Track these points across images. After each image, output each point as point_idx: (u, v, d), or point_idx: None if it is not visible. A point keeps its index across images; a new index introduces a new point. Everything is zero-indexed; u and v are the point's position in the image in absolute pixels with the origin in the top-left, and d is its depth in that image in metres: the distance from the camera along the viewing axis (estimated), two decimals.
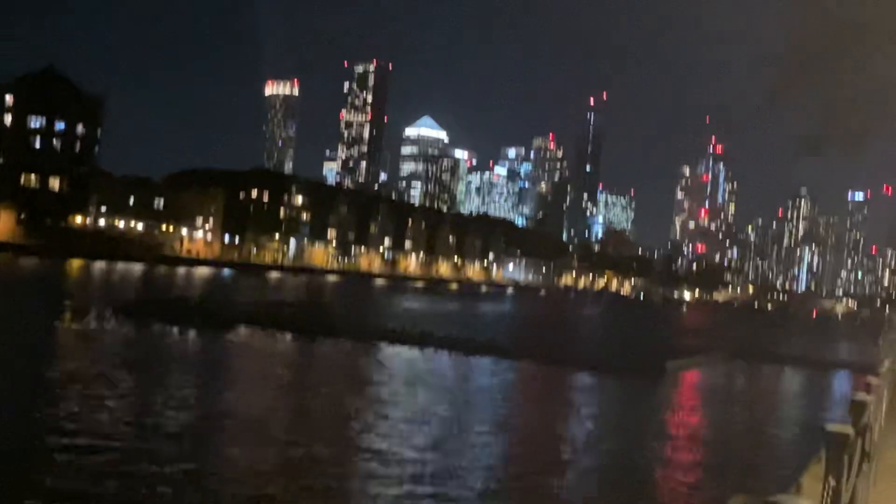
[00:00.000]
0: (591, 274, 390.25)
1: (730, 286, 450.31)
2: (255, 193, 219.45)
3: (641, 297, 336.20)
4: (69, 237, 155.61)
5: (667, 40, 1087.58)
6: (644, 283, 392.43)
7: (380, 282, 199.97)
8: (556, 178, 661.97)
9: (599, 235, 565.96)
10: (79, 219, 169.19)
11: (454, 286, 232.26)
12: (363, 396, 30.12)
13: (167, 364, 33.51)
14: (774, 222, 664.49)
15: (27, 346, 35.70)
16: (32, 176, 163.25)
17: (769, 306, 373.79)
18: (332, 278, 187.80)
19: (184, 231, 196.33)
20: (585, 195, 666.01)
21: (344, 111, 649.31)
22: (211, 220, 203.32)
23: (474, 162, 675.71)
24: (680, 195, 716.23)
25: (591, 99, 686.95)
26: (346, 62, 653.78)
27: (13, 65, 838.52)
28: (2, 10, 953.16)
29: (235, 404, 26.68)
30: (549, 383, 41.43)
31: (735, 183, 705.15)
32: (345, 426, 24.52)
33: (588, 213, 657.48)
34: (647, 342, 68.54)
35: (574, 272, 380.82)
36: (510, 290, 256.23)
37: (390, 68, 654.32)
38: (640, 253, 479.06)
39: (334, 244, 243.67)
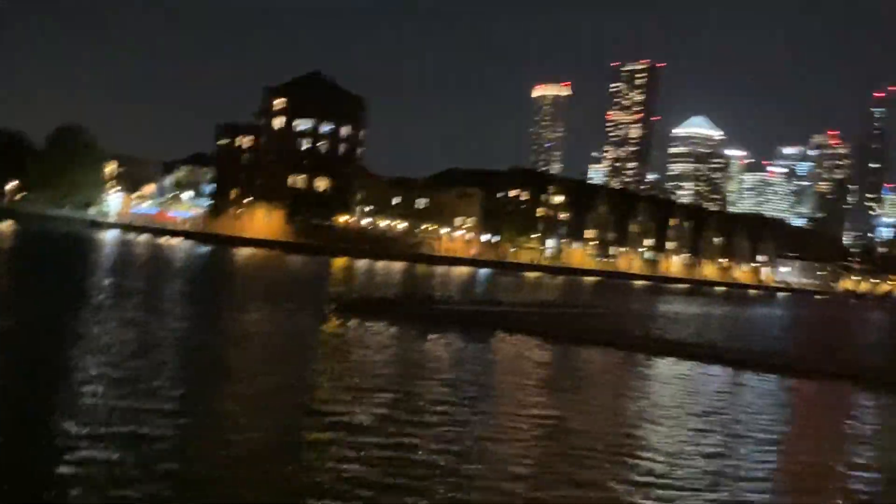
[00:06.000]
0: (873, 278, 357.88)
1: None
2: (513, 193, 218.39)
3: None
4: (334, 235, 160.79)
5: None
6: None
7: (640, 283, 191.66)
8: (838, 177, 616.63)
9: (885, 237, 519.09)
10: (344, 217, 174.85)
11: (720, 289, 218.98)
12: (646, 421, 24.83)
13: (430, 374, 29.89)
14: None
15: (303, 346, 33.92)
16: (300, 177, 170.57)
17: None
18: (590, 279, 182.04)
19: (444, 230, 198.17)
20: (870, 194, 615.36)
21: (612, 112, 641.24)
22: (470, 219, 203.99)
23: (748, 161, 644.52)
24: None
25: (878, 93, 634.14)
26: (615, 62, 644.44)
27: (283, 70, 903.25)
28: (270, 20, 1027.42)
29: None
30: (797, 400, 34.17)
31: None
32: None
33: (872, 213, 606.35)
34: None
35: (855, 276, 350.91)
36: (782, 294, 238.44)
37: (660, 67, 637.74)
38: None
39: (593, 244, 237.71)
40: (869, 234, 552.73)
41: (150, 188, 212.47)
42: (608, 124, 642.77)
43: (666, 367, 38.18)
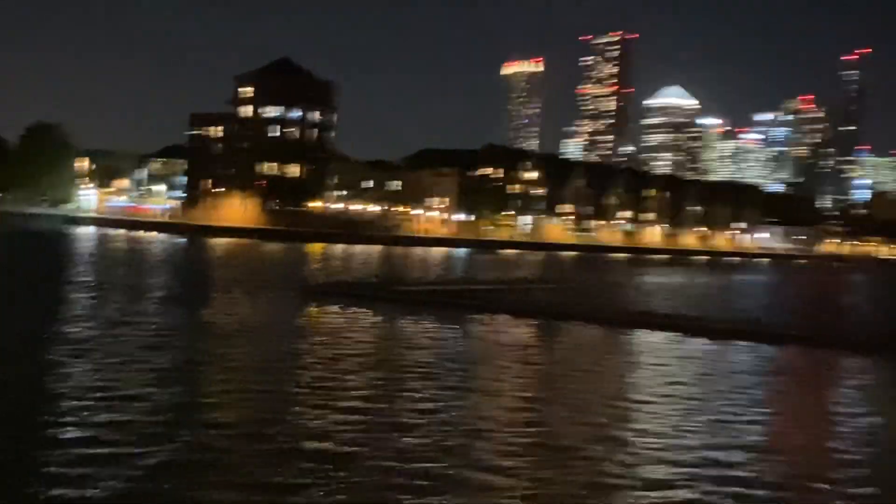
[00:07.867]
0: (853, 240, 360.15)
1: None
2: (487, 170, 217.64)
3: None
4: (309, 221, 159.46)
5: None
6: None
7: (620, 256, 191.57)
8: (814, 141, 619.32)
9: (864, 199, 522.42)
10: (318, 203, 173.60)
11: (701, 258, 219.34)
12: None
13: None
14: None
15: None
16: (272, 164, 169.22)
17: None
18: (569, 254, 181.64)
19: (419, 211, 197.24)
20: (847, 158, 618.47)
21: (587, 86, 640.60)
22: (446, 199, 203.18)
23: (724, 129, 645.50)
24: None
25: (851, 56, 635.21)
26: (586, 36, 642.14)
27: (251, 59, 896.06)
28: (241, 7, 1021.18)
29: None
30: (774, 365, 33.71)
31: None
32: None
33: (850, 177, 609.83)
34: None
35: (835, 239, 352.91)
36: (764, 261, 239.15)
37: (632, 38, 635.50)
38: None
39: (571, 218, 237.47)
40: (845, 197, 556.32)
41: (124, 182, 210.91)
42: (581, 98, 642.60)
43: (646, 339, 37.62)
